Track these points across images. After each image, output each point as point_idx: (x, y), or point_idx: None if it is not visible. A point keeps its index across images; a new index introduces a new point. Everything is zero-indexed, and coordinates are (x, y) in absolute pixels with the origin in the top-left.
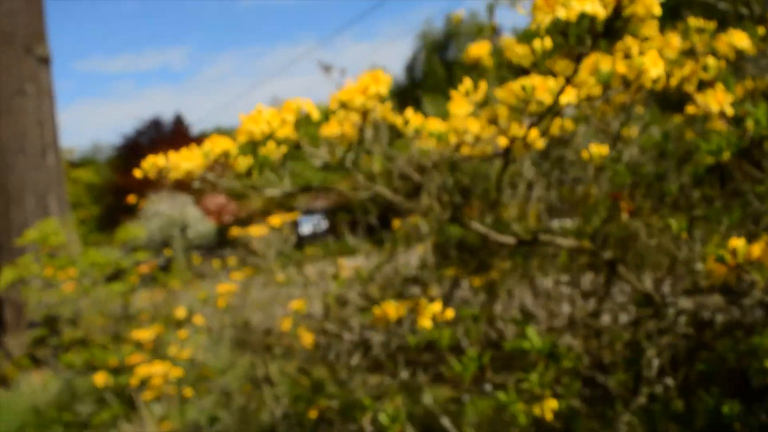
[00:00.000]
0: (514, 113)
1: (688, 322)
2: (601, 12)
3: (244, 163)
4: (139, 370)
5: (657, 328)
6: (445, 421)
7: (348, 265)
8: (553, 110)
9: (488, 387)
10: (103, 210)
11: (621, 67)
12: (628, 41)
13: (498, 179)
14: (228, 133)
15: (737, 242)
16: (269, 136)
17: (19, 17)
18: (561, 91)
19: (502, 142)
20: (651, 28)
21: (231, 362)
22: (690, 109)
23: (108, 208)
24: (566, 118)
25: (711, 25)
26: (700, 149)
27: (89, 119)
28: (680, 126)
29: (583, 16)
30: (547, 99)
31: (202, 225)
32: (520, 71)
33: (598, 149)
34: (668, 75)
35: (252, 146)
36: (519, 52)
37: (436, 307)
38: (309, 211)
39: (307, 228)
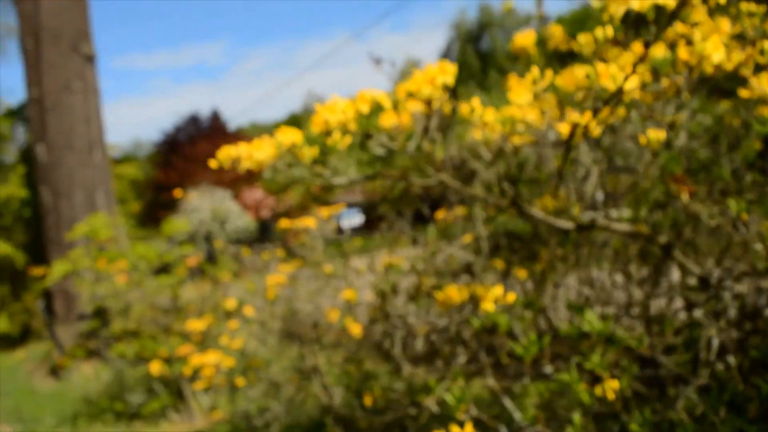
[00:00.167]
0: (575, 101)
1: (741, 307)
2: (671, 2)
3: (309, 153)
4: (193, 359)
5: (713, 311)
6: (508, 403)
7: (392, 258)
8: (617, 97)
9: (548, 369)
10: (144, 205)
11: (683, 53)
12: (679, 27)
13: (560, 166)
14: (264, 127)
15: None
16: (343, 126)
17: (66, 16)
18: (627, 78)
19: (563, 129)
20: (701, 13)
21: (279, 353)
22: (743, 93)
23: (148, 203)
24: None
25: (761, 8)
26: (750, 134)
27: (129, 116)
28: (729, 112)
29: (653, 5)
30: (611, 86)
31: (240, 219)
32: (567, 60)
33: (655, 135)
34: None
35: (321, 137)
36: (581, 41)
37: (498, 291)
38: (349, 205)
39: (347, 221)
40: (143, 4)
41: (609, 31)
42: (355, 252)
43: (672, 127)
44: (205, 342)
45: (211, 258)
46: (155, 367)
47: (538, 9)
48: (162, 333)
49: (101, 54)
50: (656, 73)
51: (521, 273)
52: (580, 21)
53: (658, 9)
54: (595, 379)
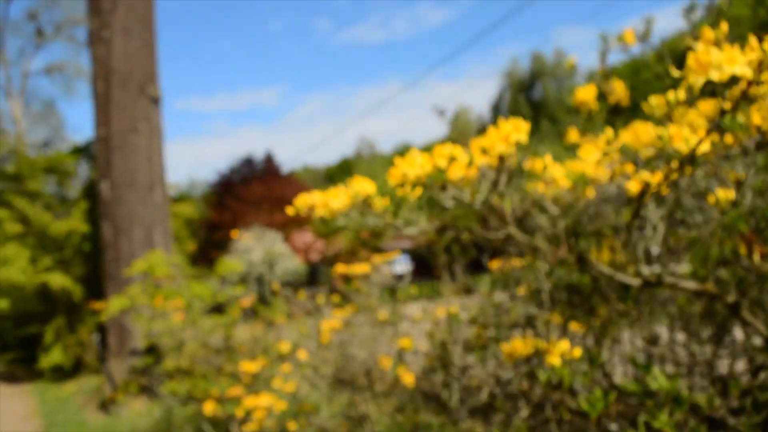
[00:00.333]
0: (642, 158)
1: None
2: (749, 73)
3: (381, 203)
4: (246, 401)
5: None
6: None
7: (449, 306)
8: (690, 160)
9: (613, 427)
10: (197, 244)
11: (757, 119)
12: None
13: (630, 222)
14: (316, 171)
15: None
16: (419, 179)
17: (135, 60)
18: (700, 142)
19: (632, 186)
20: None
21: (330, 398)
22: None
23: (201, 242)
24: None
25: None
26: None
27: (185, 156)
28: None
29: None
30: (684, 148)
31: (290, 262)
32: (626, 115)
33: (725, 194)
34: None
35: (394, 187)
36: (652, 103)
37: (565, 345)
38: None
39: (399, 268)
40: (204, 50)
41: (681, 94)
42: (408, 299)
43: (739, 185)
44: (255, 384)
45: (263, 299)
46: (209, 407)
47: (601, 64)
48: (213, 373)
49: (164, 95)
50: (721, 129)
51: (576, 327)
52: (632, 71)
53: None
54: None
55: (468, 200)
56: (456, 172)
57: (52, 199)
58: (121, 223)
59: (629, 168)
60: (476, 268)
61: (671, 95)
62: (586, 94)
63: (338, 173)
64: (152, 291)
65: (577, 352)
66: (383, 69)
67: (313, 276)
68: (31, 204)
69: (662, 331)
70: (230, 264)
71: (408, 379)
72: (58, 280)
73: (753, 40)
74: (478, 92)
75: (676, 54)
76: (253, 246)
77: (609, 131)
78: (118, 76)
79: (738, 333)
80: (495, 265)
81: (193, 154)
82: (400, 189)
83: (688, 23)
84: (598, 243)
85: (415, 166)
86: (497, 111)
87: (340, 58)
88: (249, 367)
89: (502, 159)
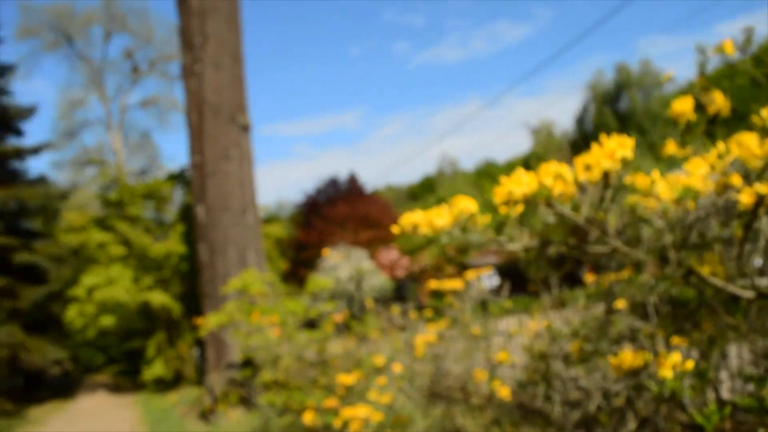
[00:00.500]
0: (753, 171)
1: None
2: None
3: (483, 220)
4: (344, 412)
5: None
6: None
7: (546, 320)
8: None
9: None
10: (287, 263)
11: None
12: None
13: (744, 235)
14: (399, 190)
15: None
16: (525, 197)
17: (226, 92)
18: None
19: (746, 199)
20: None
21: (425, 411)
22: None
23: (290, 261)
24: None
25: None
26: None
27: (272, 179)
28: None
29: None
30: None
31: (376, 278)
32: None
33: None
34: None
35: (498, 205)
36: (764, 115)
37: (677, 357)
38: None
39: (490, 283)
40: (287, 76)
41: None
42: (500, 314)
43: None
44: (348, 396)
45: (354, 315)
46: (308, 417)
47: (699, 76)
48: (308, 385)
49: (252, 123)
50: None
51: (679, 341)
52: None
53: None
54: None
55: (573, 216)
56: (557, 189)
57: (150, 223)
58: (216, 245)
59: (737, 180)
60: (570, 282)
61: None
62: (683, 106)
63: (421, 191)
64: (248, 308)
65: (690, 364)
66: (463, 88)
67: (400, 292)
68: (132, 228)
69: None
70: (320, 281)
71: (504, 392)
72: (158, 298)
73: None
74: (561, 108)
75: None
76: (340, 264)
77: (720, 145)
78: (209, 106)
79: None
80: (591, 278)
81: (279, 178)
82: (503, 207)
83: None
84: (701, 256)
85: (522, 184)
86: (582, 125)
87: (420, 78)
88: (345, 379)
89: (606, 175)
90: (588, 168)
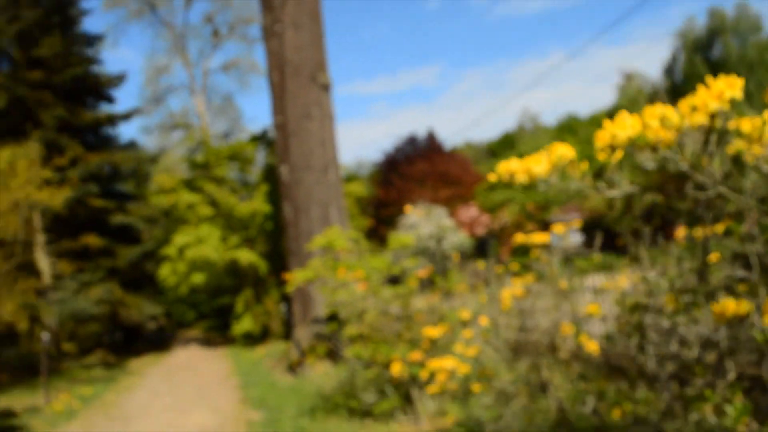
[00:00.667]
0: None
1: None
2: None
3: (582, 167)
4: (431, 364)
5: None
6: None
7: (632, 274)
8: None
9: None
10: (368, 221)
11: None
12: None
13: None
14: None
15: None
16: (629, 141)
17: (305, 51)
18: None
19: None
20: None
21: (511, 364)
22: None
23: (370, 219)
24: None
25: None
26: None
27: (351, 138)
28: None
29: None
30: None
31: (456, 236)
32: None
33: None
34: None
35: (599, 150)
36: None
37: None
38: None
39: (574, 239)
40: (364, 35)
41: None
42: (588, 269)
43: None
44: (432, 349)
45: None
46: (396, 368)
47: None
48: (393, 339)
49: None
50: None
51: None
52: None
53: None
54: None
55: (678, 160)
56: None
57: (235, 183)
58: (299, 203)
59: None
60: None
61: None
62: None
63: (500, 148)
64: (333, 264)
65: None
66: (544, 39)
67: (480, 250)
68: (218, 189)
69: None
70: (403, 238)
71: (592, 346)
72: (246, 256)
73: None
74: (649, 58)
75: None
76: (420, 221)
77: None
78: (290, 66)
79: None
80: (681, 233)
81: (358, 137)
82: (600, 153)
83: None
84: None
85: (626, 127)
86: (671, 75)
87: (499, 31)
88: (431, 332)
89: (713, 118)
90: (694, 110)
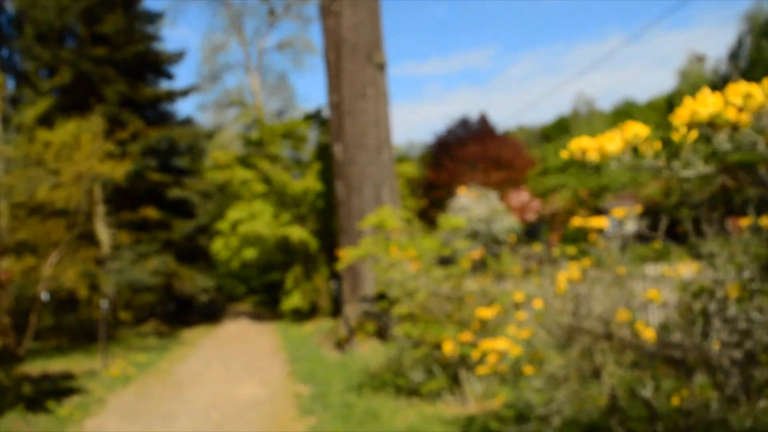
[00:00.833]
0: None
1: None
2: None
3: (656, 146)
4: (483, 344)
5: None
6: None
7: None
8: None
9: None
10: (419, 202)
11: None
12: None
13: None
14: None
15: None
16: (711, 118)
17: (362, 30)
18: None
19: None
20: None
21: (564, 348)
22: None
23: (420, 200)
24: None
25: None
26: None
27: (403, 119)
28: None
29: None
30: None
31: (506, 220)
32: None
33: None
34: None
35: (677, 128)
36: None
37: None
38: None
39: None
40: (417, 16)
41: None
42: (647, 257)
43: None
44: (483, 331)
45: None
46: (447, 347)
47: None
48: (443, 319)
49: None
50: None
51: None
52: None
53: None
54: None
55: (762, 141)
56: (737, 114)
57: (288, 161)
58: (352, 182)
59: None
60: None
61: None
62: None
63: (554, 132)
64: (384, 243)
65: None
66: (602, 22)
67: (530, 235)
68: (272, 166)
69: None
70: (454, 220)
71: (648, 333)
72: (297, 233)
73: None
74: (713, 41)
75: None
76: (471, 204)
77: None
78: (347, 45)
79: None
80: (746, 222)
81: (409, 118)
82: (675, 133)
83: None
84: None
85: (708, 105)
86: (736, 60)
87: (555, 13)
88: (483, 313)
89: None
90: (748, 96)
